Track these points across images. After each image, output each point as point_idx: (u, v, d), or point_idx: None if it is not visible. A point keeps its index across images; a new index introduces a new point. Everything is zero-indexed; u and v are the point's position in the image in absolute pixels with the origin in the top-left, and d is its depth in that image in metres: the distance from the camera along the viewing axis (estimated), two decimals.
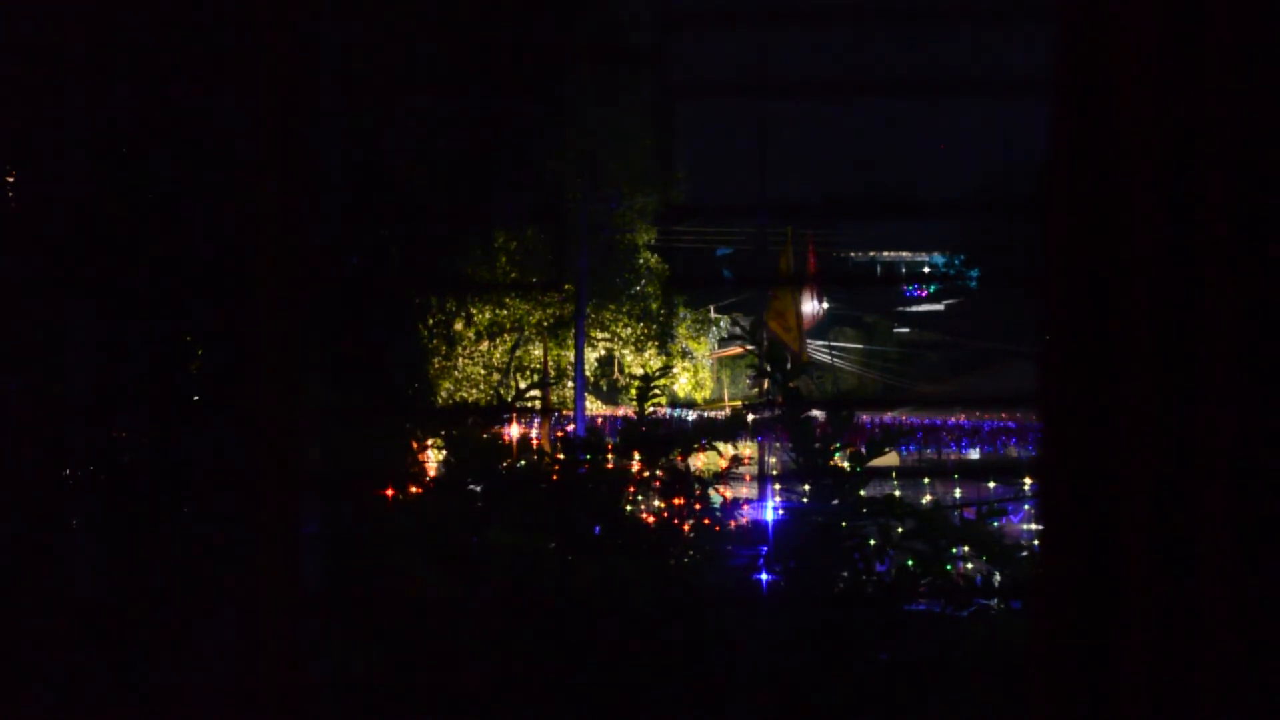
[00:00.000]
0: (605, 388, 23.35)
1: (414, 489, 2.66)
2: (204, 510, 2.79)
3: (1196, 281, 1.14)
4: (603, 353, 21.57)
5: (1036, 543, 1.25)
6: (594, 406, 22.12)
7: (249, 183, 1.64)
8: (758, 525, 2.61)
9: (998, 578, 2.47)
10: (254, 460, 1.63)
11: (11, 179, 2.88)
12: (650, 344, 20.92)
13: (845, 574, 2.41)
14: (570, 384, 19.90)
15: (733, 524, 2.64)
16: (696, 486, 2.65)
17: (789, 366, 2.62)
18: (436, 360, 17.82)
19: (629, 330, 20.83)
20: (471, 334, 19.65)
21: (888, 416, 20.74)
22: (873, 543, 2.42)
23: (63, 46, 2.65)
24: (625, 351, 21.09)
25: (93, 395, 2.84)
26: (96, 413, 2.84)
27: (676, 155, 20.73)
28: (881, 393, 29.10)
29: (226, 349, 3.06)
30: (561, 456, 2.61)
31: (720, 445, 2.79)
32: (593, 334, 20.78)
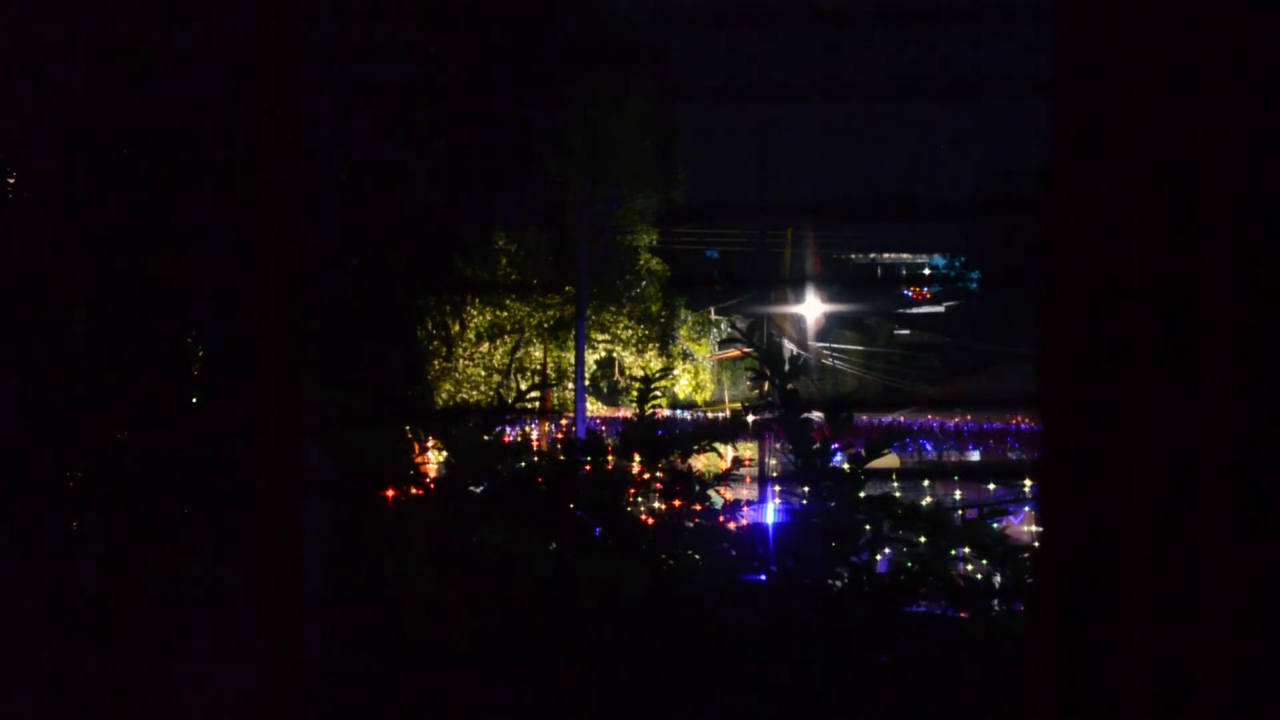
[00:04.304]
0: (606, 389, 23.34)
1: (414, 490, 2.66)
2: (205, 512, 2.79)
3: (1196, 281, 1.14)
4: (603, 354, 21.57)
5: (1037, 544, 1.26)
6: (594, 408, 22.11)
7: (250, 185, 1.65)
8: (757, 526, 2.61)
9: (998, 579, 2.47)
10: (255, 461, 1.63)
11: (12, 180, 2.88)
12: (651, 346, 20.92)
13: (845, 575, 2.41)
14: (570, 386, 19.90)
15: (732, 525, 2.64)
16: (696, 487, 2.65)
17: (786, 369, 2.62)
18: (437, 361, 17.84)
19: (629, 332, 20.83)
20: (471, 335, 19.65)
21: (888, 418, 20.73)
22: (872, 543, 2.42)
23: (63, 47, 2.65)
24: (626, 353, 21.09)
25: (94, 398, 2.84)
26: (98, 415, 2.84)
27: (677, 156, 20.73)
28: (882, 394, 29.09)
29: (227, 351, 3.06)
30: (562, 457, 2.61)
31: (720, 446, 2.79)
32: (593, 336, 20.77)
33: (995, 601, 2.38)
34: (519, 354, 20.44)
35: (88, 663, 2.50)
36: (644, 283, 20.65)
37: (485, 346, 20.06)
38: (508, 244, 19.41)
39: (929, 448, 20.91)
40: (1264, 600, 1.13)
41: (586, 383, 20.83)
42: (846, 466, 2.55)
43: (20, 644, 2.48)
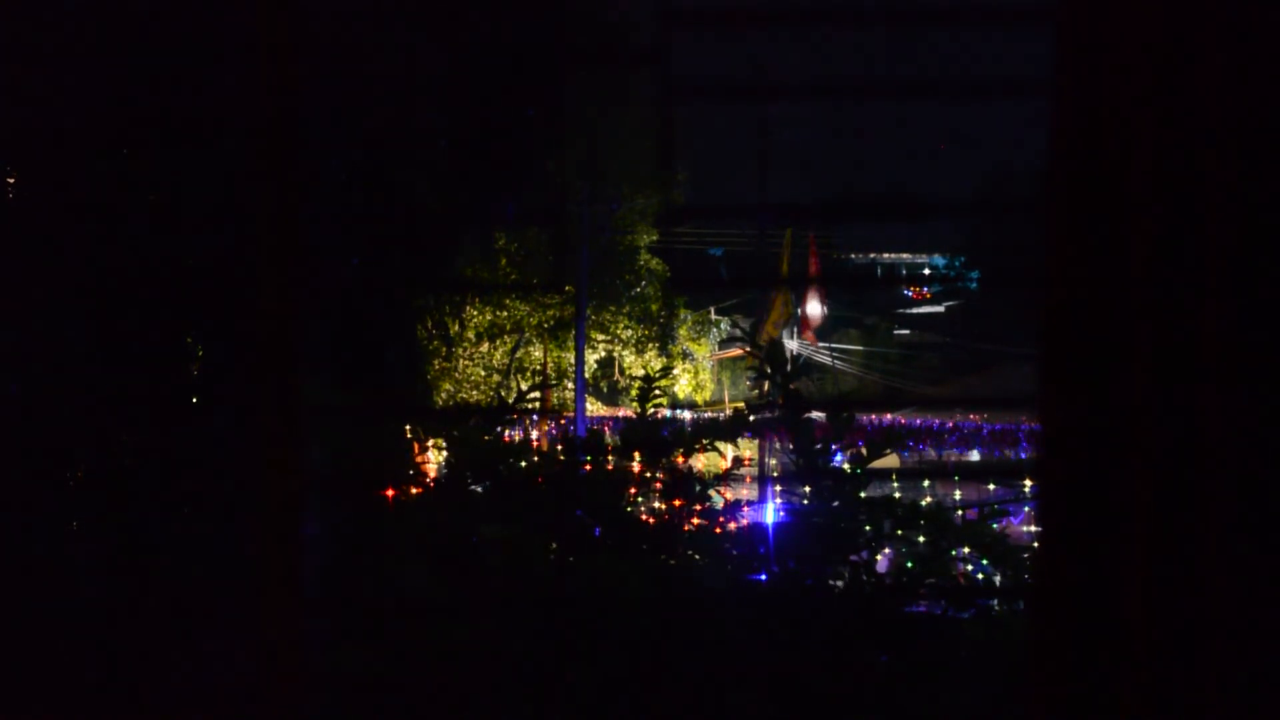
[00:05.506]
0: (606, 389, 23.33)
1: (414, 489, 2.66)
2: (205, 511, 2.79)
3: (1195, 282, 1.14)
4: (603, 354, 21.56)
5: (1037, 544, 1.26)
6: (594, 408, 22.10)
7: (250, 184, 1.65)
8: (758, 526, 2.61)
9: (998, 579, 2.47)
10: (254, 461, 1.63)
11: (12, 179, 2.89)
12: (651, 345, 20.92)
13: (845, 575, 2.41)
14: (570, 385, 19.90)
15: (733, 525, 2.64)
16: (697, 487, 2.65)
17: (789, 368, 2.62)
18: (437, 361, 17.84)
19: (629, 332, 20.82)
20: (471, 335, 19.66)
21: (888, 418, 20.73)
22: (872, 543, 2.42)
23: (62, 46, 2.66)
24: (625, 353, 21.09)
25: (94, 396, 2.84)
26: (98, 414, 2.84)
27: (677, 156, 20.71)
28: (882, 394, 29.09)
29: (227, 350, 3.06)
30: (562, 457, 2.61)
31: (721, 446, 2.78)
32: (593, 335, 20.76)
33: (995, 601, 2.38)
34: (519, 354, 20.43)
35: (88, 661, 2.50)
36: (644, 283, 20.65)
37: (485, 346, 20.05)
38: (508, 244, 19.41)
39: (930, 448, 20.92)
40: (1264, 600, 1.13)
41: (591, 382, 20.83)
42: (847, 467, 2.54)
43: (20, 643, 2.48)
